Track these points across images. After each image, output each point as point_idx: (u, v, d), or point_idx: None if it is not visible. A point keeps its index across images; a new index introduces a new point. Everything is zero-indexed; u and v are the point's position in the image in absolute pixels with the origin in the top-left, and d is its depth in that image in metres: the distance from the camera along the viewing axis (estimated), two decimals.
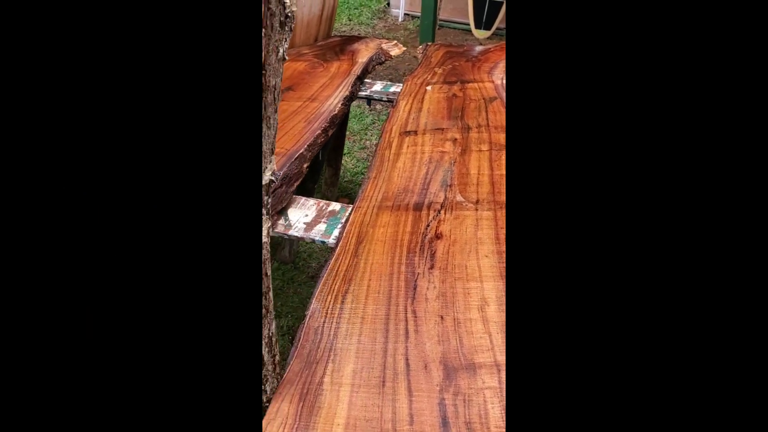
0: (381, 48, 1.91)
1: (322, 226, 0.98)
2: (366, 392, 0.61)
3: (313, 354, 0.67)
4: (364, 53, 1.83)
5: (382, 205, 0.97)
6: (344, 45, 1.93)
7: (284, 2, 0.44)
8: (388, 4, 4.31)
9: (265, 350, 0.60)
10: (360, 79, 1.62)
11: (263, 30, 0.46)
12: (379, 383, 0.62)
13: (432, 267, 0.79)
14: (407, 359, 0.65)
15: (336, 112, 1.34)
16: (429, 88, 1.48)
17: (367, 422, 0.57)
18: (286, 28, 0.50)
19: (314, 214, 1.02)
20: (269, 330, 0.61)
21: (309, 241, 0.97)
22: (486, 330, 0.68)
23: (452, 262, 0.80)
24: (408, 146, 1.17)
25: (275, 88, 0.54)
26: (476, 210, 0.91)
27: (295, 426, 0.57)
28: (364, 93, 1.61)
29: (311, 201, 1.06)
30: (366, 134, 2.79)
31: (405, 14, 4.20)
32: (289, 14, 0.49)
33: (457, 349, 0.66)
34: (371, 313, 0.72)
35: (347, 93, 1.46)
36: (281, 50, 0.50)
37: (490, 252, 0.82)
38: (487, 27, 3.43)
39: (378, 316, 0.72)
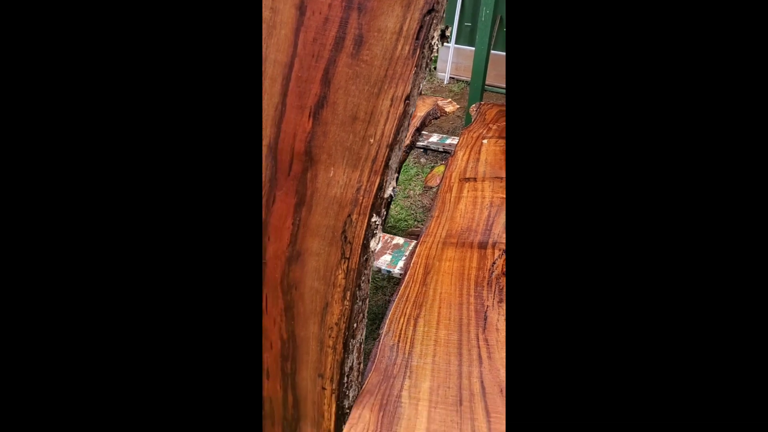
0: (437, 104, 2.05)
1: (387, 257, 1.04)
2: (444, 409, 0.63)
3: (390, 369, 0.70)
4: (422, 108, 1.97)
5: (447, 242, 1.02)
6: None
7: (432, 47, 0.50)
8: (435, 67, 4.61)
9: (354, 355, 0.64)
10: (418, 131, 1.75)
11: (415, 69, 0.50)
12: (456, 402, 0.64)
13: (501, 301, 0.83)
14: (482, 382, 0.67)
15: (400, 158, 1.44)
16: (485, 141, 1.58)
17: None
18: (427, 69, 0.56)
19: (379, 246, 1.08)
20: (361, 335, 0.66)
21: (375, 270, 1.03)
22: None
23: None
24: (468, 191, 1.24)
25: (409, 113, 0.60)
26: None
27: None
28: (421, 143, 1.73)
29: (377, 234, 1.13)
30: (410, 184, 2.91)
31: (450, 77, 4.48)
32: (434, 57, 0.57)
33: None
34: (444, 338, 0.76)
35: (408, 142, 1.57)
36: (421, 86, 0.55)
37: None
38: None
39: (451, 341, 0.75)
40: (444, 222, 1.10)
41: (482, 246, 0.99)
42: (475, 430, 0.60)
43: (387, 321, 0.80)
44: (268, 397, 0.69)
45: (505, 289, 0.86)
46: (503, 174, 1.31)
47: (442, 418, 0.62)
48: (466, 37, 4.39)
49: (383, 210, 0.53)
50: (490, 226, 1.06)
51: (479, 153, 1.47)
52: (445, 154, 1.72)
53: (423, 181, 3.10)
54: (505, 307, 0.81)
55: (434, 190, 1.97)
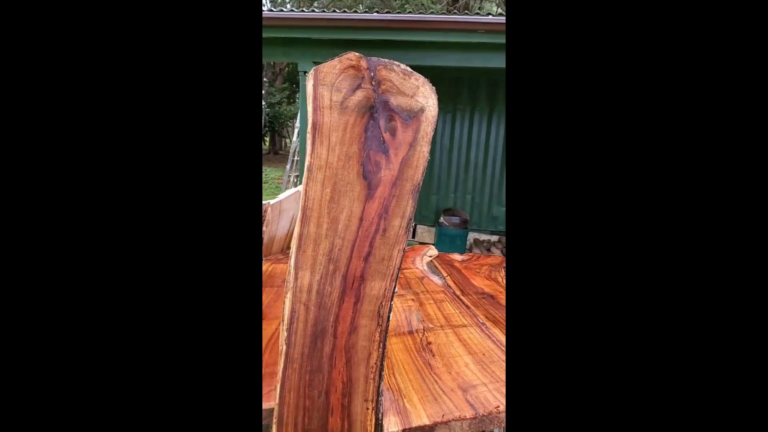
0: None
1: None
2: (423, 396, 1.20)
3: (386, 401, 1.23)
4: None
5: (390, 334, 1.63)
6: None
7: (412, 224, 1.17)
8: None
9: (382, 383, 1.16)
10: None
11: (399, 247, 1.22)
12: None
13: (433, 355, 1.46)
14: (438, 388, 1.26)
15: None
16: None
17: None
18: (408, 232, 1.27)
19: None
20: (383, 370, 1.19)
21: None
22: (464, 365, 1.35)
23: (439, 351, 1.48)
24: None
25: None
26: (442, 329, 1.65)
27: None
28: None
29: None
30: None
31: None
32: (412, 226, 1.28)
33: (445, 379, 1.30)
34: (410, 380, 1.33)
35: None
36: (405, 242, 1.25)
37: (455, 341, 1.53)
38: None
39: (417, 380, 1.33)
40: None
41: (410, 333, 1.64)
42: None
43: None
44: (331, 430, 1.13)
45: (433, 349, 1.50)
46: (402, 292, 2.03)
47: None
48: None
49: (394, 299, 1.17)
50: (410, 321, 1.72)
51: None
52: None
53: None
54: (437, 358, 1.45)
55: None
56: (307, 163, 1.09)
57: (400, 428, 1.11)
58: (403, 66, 1.07)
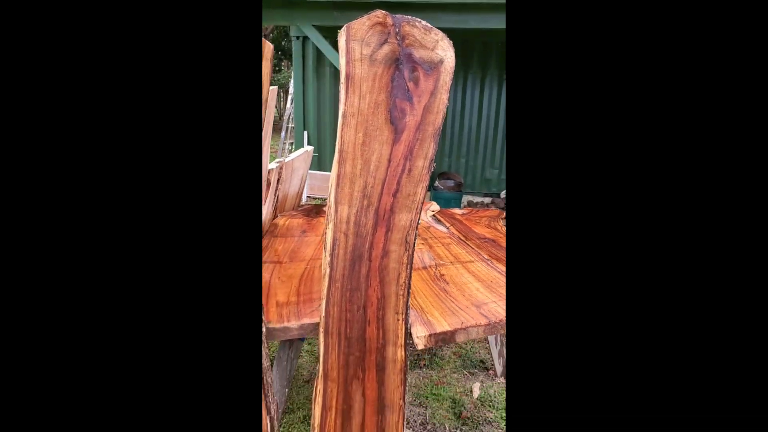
0: None
1: None
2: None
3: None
4: None
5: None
6: (317, 208, 2.92)
7: (431, 168, 1.41)
8: None
9: (408, 298, 1.38)
10: None
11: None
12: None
13: (447, 283, 1.68)
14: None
15: None
16: None
17: None
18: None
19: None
20: (410, 289, 1.40)
21: None
22: (475, 289, 1.58)
23: (452, 281, 1.70)
24: None
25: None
26: (452, 264, 1.86)
27: None
28: None
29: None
30: None
31: (308, 197, 5.56)
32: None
33: (460, 300, 1.52)
34: (430, 302, 1.56)
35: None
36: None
37: (465, 273, 1.75)
38: None
39: (433, 302, 1.55)
40: None
41: (424, 268, 1.85)
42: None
43: None
44: (369, 338, 1.35)
45: (446, 279, 1.72)
46: None
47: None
48: (315, 163, 5.63)
49: (417, 229, 1.36)
50: (422, 260, 1.94)
51: None
52: None
53: None
54: (450, 284, 1.67)
55: None
56: (341, 111, 1.25)
57: (427, 333, 1.33)
58: (424, 22, 1.22)
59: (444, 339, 1.33)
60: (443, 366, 2.74)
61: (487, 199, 6.49)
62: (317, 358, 1.33)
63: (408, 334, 1.37)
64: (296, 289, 1.58)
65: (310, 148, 3.17)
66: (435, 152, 1.32)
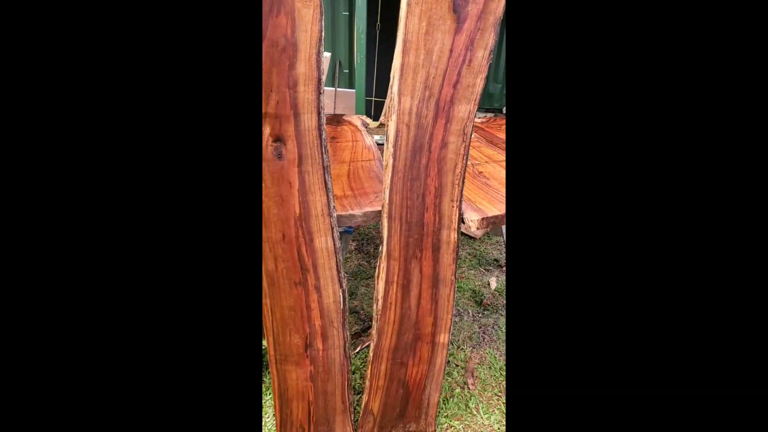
0: (361, 119, 2.96)
1: None
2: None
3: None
4: (356, 120, 2.85)
5: None
6: (337, 117, 2.93)
7: (491, 58, 1.43)
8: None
9: (463, 187, 1.49)
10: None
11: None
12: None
13: (488, 178, 1.79)
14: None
15: (373, 146, 2.31)
16: None
17: None
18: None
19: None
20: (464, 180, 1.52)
21: None
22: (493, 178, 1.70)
23: (491, 176, 1.82)
24: None
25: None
26: (487, 162, 1.97)
27: None
28: (378, 138, 2.61)
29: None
30: None
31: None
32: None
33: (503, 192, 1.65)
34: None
35: (370, 140, 2.44)
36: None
37: (500, 170, 1.86)
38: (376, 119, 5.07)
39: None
40: None
41: None
42: None
43: None
44: (426, 222, 1.48)
45: (486, 175, 1.83)
46: None
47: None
48: (345, 81, 5.47)
49: (473, 124, 1.44)
50: None
51: None
52: None
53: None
54: (491, 180, 1.78)
55: None
56: None
57: (479, 217, 1.47)
58: None
59: (495, 222, 1.47)
60: (460, 264, 2.98)
61: (490, 114, 6.46)
62: (380, 241, 1.46)
63: (461, 218, 1.50)
64: (348, 185, 1.68)
65: (327, 54, 3.08)
66: (495, 43, 1.35)
